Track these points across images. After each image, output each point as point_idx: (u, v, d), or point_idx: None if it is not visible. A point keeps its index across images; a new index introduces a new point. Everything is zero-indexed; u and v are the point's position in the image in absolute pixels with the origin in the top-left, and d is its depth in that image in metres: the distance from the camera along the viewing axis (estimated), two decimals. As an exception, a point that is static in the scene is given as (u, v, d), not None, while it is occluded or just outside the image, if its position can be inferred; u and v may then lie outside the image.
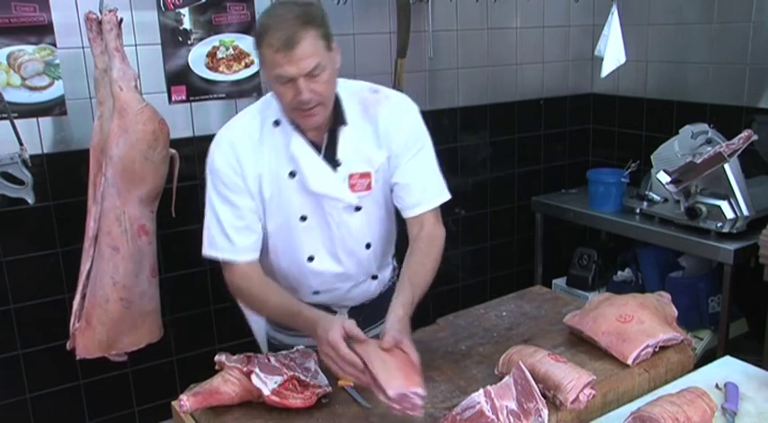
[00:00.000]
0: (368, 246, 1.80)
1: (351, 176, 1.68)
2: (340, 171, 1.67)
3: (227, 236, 1.67)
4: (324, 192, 1.67)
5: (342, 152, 1.67)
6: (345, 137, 1.67)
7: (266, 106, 1.68)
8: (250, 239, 1.69)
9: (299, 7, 1.52)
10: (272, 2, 2.10)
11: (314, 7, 1.55)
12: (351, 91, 1.71)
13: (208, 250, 1.70)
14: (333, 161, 1.67)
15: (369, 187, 1.70)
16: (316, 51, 1.50)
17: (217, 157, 1.67)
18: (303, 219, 1.70)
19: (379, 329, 1.95)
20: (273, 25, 1.49)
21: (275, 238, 1.75)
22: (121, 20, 2.22)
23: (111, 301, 2.31)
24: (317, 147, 1.66)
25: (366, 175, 1.69)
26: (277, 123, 1.66)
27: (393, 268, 1.99)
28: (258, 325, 2.00)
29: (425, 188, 1.75)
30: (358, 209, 1.73)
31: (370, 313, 1.91)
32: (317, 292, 1.83)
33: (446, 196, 1.78)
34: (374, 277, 1.89)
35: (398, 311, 1.55)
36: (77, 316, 2.35)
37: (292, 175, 1.66)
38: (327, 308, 1.84)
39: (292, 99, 1.54)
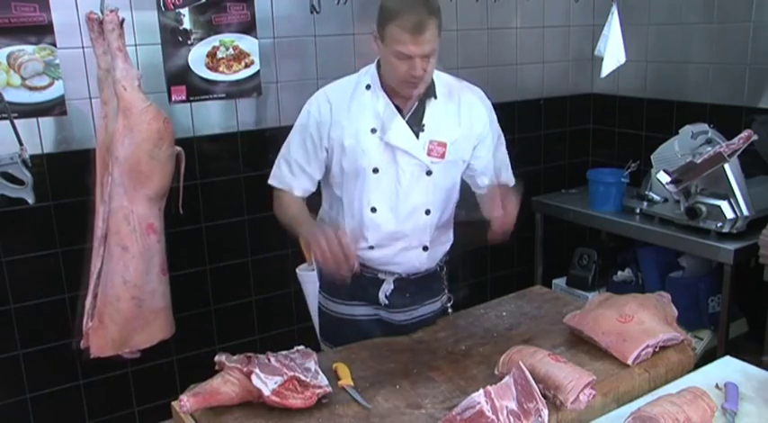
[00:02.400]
0: (427, 212, 1.94)
1: (430, 143, 1.88)
2: (422, 137, 1.88)
3: (292, 172, 1.95)
4: (402, 146, 1.86)
5: (427, 120, 1.89)
6: (432, 108, 1.90)
7: (362, 74, 1.94)
8: (308, 182, 1.96)
9: None
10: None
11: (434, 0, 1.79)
12: (438, 76, 1.94)
13: (272, 180, 2.00)
14: (417, 126, 1.88)
15: (443, 156, 1.90)
16: (434, 38, 1.76)
17: (313, 104, 1.94)
18: (375, 171, 1.88)
19: (426, 309, 2.05)
20: (407, 8, 1.72)
21: (344, 189, 1.94)
22: (123, 20, 2.22)
23: (123, 299, 2.32)
24: (401, 112, 1.88)
25: (443, 145, 1.89)
26: (368, 87, 1.89)
27: (444, 253, 2.09)
28: (312, 293, 2.11)
29: (509, 171, 2.13)
30: (429, 173, 1.90)
31: (415, 290, 2.01)
32: (371, 247, 1.95)
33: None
34: (425, 248, 1.97)
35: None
36: (90, 315, 2.35)
37: (374, 131, 1.86)
38: (375, 274, 1.99)
39: (405, 72, 1.77)
